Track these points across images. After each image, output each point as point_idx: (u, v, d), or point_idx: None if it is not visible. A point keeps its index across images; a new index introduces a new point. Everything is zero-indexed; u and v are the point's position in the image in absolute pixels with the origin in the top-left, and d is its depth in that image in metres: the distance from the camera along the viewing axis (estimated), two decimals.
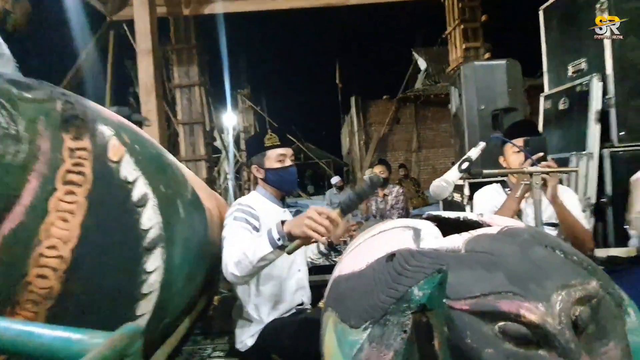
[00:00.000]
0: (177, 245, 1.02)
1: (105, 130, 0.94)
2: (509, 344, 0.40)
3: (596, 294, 0.43)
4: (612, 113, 2.49)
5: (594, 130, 2.54)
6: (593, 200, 2.54)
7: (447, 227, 0.66)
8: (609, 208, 2.53)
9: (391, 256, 0.61)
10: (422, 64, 12.96)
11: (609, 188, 2.51)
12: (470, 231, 0.54)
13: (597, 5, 2.48)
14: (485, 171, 1.06)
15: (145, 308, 0.95)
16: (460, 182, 2.53)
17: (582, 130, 2.59)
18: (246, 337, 1.38)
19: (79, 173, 0.92)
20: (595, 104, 2.51)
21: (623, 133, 2.47)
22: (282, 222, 1.08)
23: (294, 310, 1.43)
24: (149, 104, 3.57)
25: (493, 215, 0.67)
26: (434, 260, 0.52)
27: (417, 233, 0.62)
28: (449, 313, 0.45)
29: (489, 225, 0.59)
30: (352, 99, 11.65)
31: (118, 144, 0.93)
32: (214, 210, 1.69)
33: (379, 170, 3.17)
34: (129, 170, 0.92)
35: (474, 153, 1.06)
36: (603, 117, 2.51)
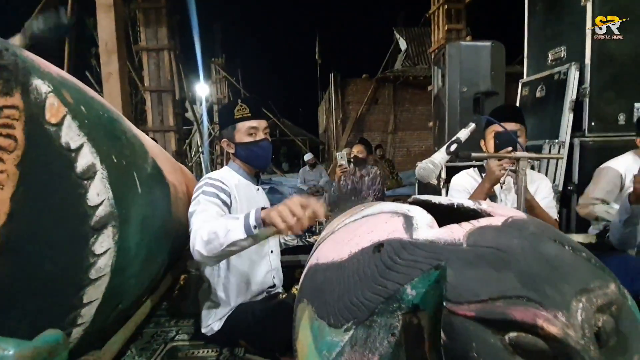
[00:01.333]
0: (132, 223, 0.90)
1: (41, 85, 0.78)
2: (521, 359, 0.34)
3: (616, 300, 0.38)
4: (586, 103, 2.53)
5: (567, 119, 2.58)
6: (560, 188, 2.62)
7: (439, 215, 0.59)
8: (574, 195, 2.61)
9: (379, 247, 0.53)
10: (402, 44, 12.82)
11: (575, 176, 2.58)
12: (471, 221, 0.47)
13: None
14: (473, 154, 1.00)
15: (94, 295, 0.84)
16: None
17: (557, 118, 2.63)
18: (213, 321, 1.30)
19: (8, 136, 0.77)
20: (571, 92, 2.54)
21: (594, 123, 2.52)
22: (263, 208, 0.97)
23: (265, 294, 1.36)
24: (110, 66, 3.24)
25: (492, 203, 0.61)
26: (430, 254, 0.45)
27: (408, 220, 0.54)
28: (450, 319, 0.38)
29: (489, 215, 0.52)
30: (331, 76, 11.38)
31: (58, 103, 0.78)
32: (180, 186, 1.55)
33: (357, 150, 3.08)
34: (71, 135, 0.78)
35: (463, 134, 1.00)
36: (577, 106, 2.55)
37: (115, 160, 0.87)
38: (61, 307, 0.82)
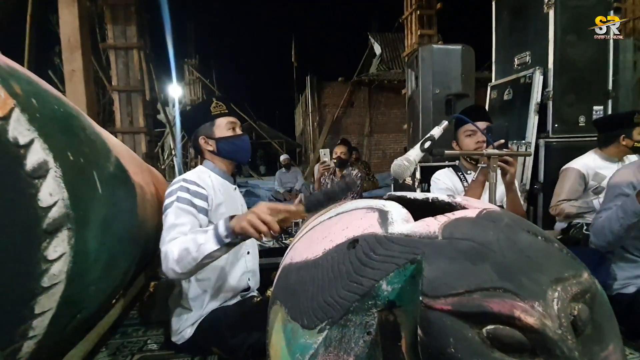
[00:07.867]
0: (91, 226, 0.84)
1: None
2: (499, 353, 0.33)
3: (590, 288, 0.37)
4: (550, 105, 2.65)
5: (532, 121, 2.70)
6: (528, 187, 2.74)
7: (414, 210, 0.58)
8: (540, 194, 2.73)
9: (353, 242, 0.51)
10: (377, 49, 13.06)
11: (541, 175, 2.70)
12: (446, 214, 0.46)
13: (545, 1, 2.58)
14: (447, 152, 1.01)
15: (48, 304, 0.77)
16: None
17: (523, 120, 2.74)
18: (184, 328, 1.24)
19: None
20: (536, 96, 2.66)
21: (557, 125, 2.65)
22: (231, 217, 0.98)
23: (238, 297, 1.31)
24: (73, 63, 3.06)
25: (465, 196, 0.61)
26: (406, 248, 0.44)
27: (383, 215, 0.53)
28: (426, 314, 0.36)
29: (463, 208, 0.52)
30: (308, 79, 11.40)
31: (5, 95, 0.71)
32: (148, 187, 1.47)
33: (340, 150, 3.04)
34: (20, 129, 0.71)
35: (436, 132, 1.01)
36: (541, 108, 2.67)
37: (71, 158, 0.80)
38: (10, 318, 0.74)
